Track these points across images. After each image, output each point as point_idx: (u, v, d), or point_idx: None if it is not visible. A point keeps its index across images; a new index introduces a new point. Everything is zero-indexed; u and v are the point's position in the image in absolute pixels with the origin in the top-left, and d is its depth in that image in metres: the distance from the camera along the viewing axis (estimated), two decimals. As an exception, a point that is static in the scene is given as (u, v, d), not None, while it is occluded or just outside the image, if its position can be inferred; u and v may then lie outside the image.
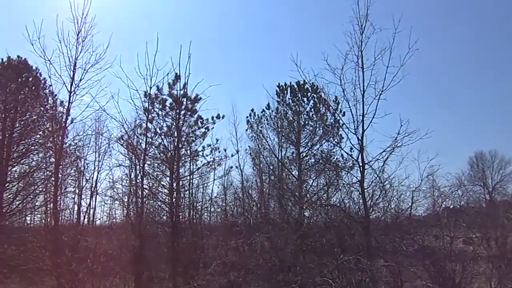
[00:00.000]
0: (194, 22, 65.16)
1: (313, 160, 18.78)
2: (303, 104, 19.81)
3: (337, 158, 18.09)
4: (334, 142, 17.94)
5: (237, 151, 19.31)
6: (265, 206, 18.19)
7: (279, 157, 19.18)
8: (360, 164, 12.81)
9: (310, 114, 19.64)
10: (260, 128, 20.21)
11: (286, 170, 18.84)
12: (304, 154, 18.82)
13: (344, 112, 14.66)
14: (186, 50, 14.65)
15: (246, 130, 20.78)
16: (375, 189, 13.14)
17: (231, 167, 19.35)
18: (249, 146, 21.46)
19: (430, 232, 12.94)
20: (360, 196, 12.91)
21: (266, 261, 13.37)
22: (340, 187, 15.13)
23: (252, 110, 20.81)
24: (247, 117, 20.72)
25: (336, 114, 16.18)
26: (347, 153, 15.02)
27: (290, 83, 20.17)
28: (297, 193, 17.06)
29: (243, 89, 53.85)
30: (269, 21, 63.03)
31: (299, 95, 19.84)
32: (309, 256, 13.63)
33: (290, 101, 19.99)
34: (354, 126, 12.84)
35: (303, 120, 19.63)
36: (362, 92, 12.75)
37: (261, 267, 13.16)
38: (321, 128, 19.04)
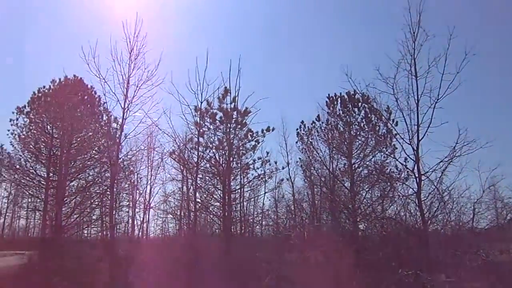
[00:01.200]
0: (243, 36, 66.20)
1: (365, 171, 18.53)
2: (354, 114, 19.65)
3: (391, 169, 17.79)
4: (387, 152, 17.68)
5: (288, 164, 19.42)
6: (317, 219, 18.12)
7: (331, 169, 19.08)
8: (416, 175, 12.61)
9: (362, 125, 19.44)
10: (310, 140, 20.20)
11: (338, 182, 18.71)
12: (356, 166, 18.62)
13: (397, 122, 14.53)
14: (236, 64, 14.96)
15: (296, 142, 20.87)
16: (433, 200, 12.88)
17: (282, 180, 19.44)
18: (299, 159, 21.54)
19: (494, 246, 12.48)
20: (417, 208, 12.70)
21: (321, 275, 13.30)
22: (396, 199, 14.94)
23: (302, 122, 20.90)
24: (297, 129, 20.81)
25: (389, 124, 15.97)
26: (402, 164, 14.83)
27: (340, 93, 20.13)
28: (350, 205, 16.94)
29: (292, 102, 54.00)
30: (318, 32, 63.06)
31: (350, 106, 19.70)
32: (365, 271, 13.44)
33: (341, 112, 19.88)
34: (409, 136, 12.70)
35: (355, 131, 19.45)
36: (417, 101, 12.62)
37: (316, 281, 13.11)
38: (373, 139, 18.79)
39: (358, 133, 19.44)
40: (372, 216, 15.82)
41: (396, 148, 16.32)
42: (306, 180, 21.50)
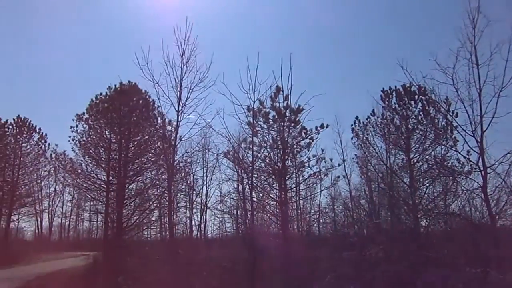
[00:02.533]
0: (294, 33, 66.26)
1: (425, 166, 18.06)
2: (410, 107, 19.21)
3: (452, 163, 17.21)
4: (448, 145, 17.12)
5: (343, 160, 19.22)
6: (376, 216, 17.87)
7: (388, 164, 18.76)
8: (481, 168, 12.18)
9: (419, 118, 18.97)
10: (366, 136, 19.99)
11: (396, 177, 18.36)
12: (415, 160, 18.19)
13: (457, 113, 14.10)
14: (287, 62, 14.95)
15: (352, 138, 20.70)
16: (501, 194, 12.41)
17: (338, 177, 19.29)
18: (355, 155, 21.34)
19: None
20: (483, 203, 12.26)
21: (383, 273, 13.14)
22: (460, 193, 14.48)
23: (357, 117, 20.69)
24: (351, 125, 20.64)
25: (449, 116, 15.47)
26: (464, 157, 14.34)
27: (396, 87, 19.75)
28: (410, 201, 16.59)
29: (345, 97, 53.50)
30: (370, 25, 61.99)
31: (406, 99, 19.28)
32: (429, 268, 13.13)
33: (397, 105, 19.50)
34: (471, 127, 12.31)
35: (412, 124, 19.02)
36: (479, 91, 12.20)
37: (377, 279, 12.97)
38: (432, 132, 18.28)
39: (415, 126, 18.99)
40: (434, 212, 15.41)
41: (458, 141, 15.80)
42: (362, 177, 21.31)
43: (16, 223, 44.32)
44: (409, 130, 18.76)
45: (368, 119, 20.23)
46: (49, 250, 43.38)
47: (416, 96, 19.08)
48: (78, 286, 19.99)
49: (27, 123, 40.16)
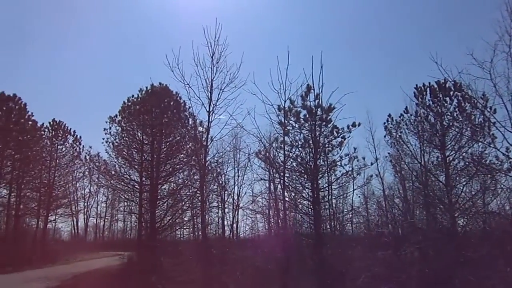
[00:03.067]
0: (324, 31, 66.01)
1: (462, 163, 17.67)
2: (445, 104, 18.83)
3: (491, 160, 16.78)
4: (486, 142, 16.70)
5: (376, 159, 18.98)
6: (410, 215, 17.60)
7: (422, 163, 18.44)
8: (522, 165, 11.85)
9: (455, 114, 18.56)
10: (399, 134, 19.73)
11: (431, 176, 18.03)
12: (451, 158, 17.81)
13: (495, 109, 13.77)
14: (318, 61, 14.84)
15: (385, 136, 20.47)
16: (544, 192, 12.01)
17: (371, 176, 19.06)
18: (388, 153, 21.09)
19: None
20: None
21: (419, 273, 12.94)
22: (499, 191, 14.09)
23: (389, 115, 20.44)
24: (384, 123, 20.40)
25: (486, 112, 15.09)
26: (504, 154, 13.98)
27: (429, 83, 19.40)
28: (446, 200, 16.27)
29: (376, 95, 52.96)
30: (401, 20, 61.18)
31: (441, 95, 18.91)
32: (466, 269, 12.84)
33: (431, 102, 19.15)
34: (511, 123, 11.96)
35: (447, 121, 18.63)
36: (518, 85, 11.85)
37: (413, 280, 12.79)
38: (468, 129, 17.87)
39: (451, 123, 18.59)
40: (472, 211, 15.07)
41: (496, 138, 15.37)
42: (396, 175, 21.05)
43: (53, 224, 45.79)
44: (444, 127, 18.39)
45: (401, 117, 19.95)
46: (85, 250, 44.60)
47: (451, 92, 18.69)
48: (113, 285, 20.46)
49: (62, 126, 41.42)
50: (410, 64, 59.79)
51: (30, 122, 37.46)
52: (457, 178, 17.45)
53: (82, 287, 21.65)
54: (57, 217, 43.81)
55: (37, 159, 38.19)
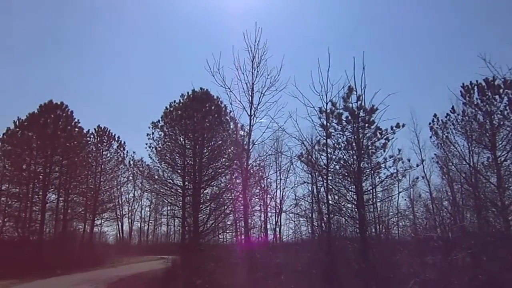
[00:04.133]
0: (365, 30, 65.22)
1: (515, 164, 16.99)
2: (495, 102, 18.18)
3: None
4: (540, 141, 16.00)
5: (422, 161, 18.53)
6: (460, 218, 17.04)
7: (472, 164, 17.85)
8: None
9: (505, 113, 17.88)
10: (446, 134, 19.21)
11: (482, 177, 17.40)
12: (503, 159, 17.15)
13: (551, 106, 13.17)
14: (360, 61, 14.66)
15: (430, 137, 19.99)
16: None
17: (417, 178, 18.60)
18: (435, 154, 20.55)
19: None
20: None
21: (471, 279, 12.48)
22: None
23: (435, 115, 19.93)
24: (429, 123, 19.91)
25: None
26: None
27: (477, 81, 18.82)
28: (498, 202, 15.65)
29: (420, 95, 51.77)
30: (447, 18, 59.63)
31: (489, 93, 18.28)
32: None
33: (479, 101, 18.54)
34: None
35: (497, 120, 17.97)
36: None
37: (465, 286, 12.35)
38: (521, 127, 17.19)
39: (501, 122, 17.92)
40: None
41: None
42: (444, 177, 20.49)
43: (99, 228, 47.25)
44: (494, 126, 17.75)
45: (448, 117, 19.41)
46: (130, 253, 45.65)
47: (501, 90, 18.02)
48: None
49: (107, 132, 42.73)
50: (456, 62, 58.11)
51: (76, 129, 38.94)
52: (510, 180, 16.78)
53: (128, 289, 22.22)
54: (102, 221, 45.33)
55: (84, 164, 39.57)
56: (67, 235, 38.99)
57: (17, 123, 36.84)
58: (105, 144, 42.63)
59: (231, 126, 24.94)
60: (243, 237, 20.01)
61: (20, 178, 36.48)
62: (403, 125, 16.25)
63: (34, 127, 36.79)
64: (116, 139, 42.91)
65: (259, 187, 22.52)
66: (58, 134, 37.50)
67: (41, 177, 37.01)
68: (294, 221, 22.27)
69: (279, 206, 22.84)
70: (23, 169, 36.55)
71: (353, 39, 63.67)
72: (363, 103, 15.81)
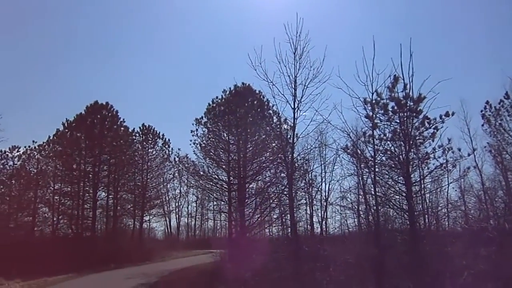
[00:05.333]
0: (412, 15, 63.62)
1: None
2: (552, 86, 17.46)
3: None
4: None
5: (473, 150, 17.97)
6: (516, 208, 16.52)
7: (527, 151, 17.23)
8: None
9: None
10: (499, 121, 18.57)
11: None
12: None
13: None
14: (407, 48, 14.30)
15: (482, 125, 19.43)
16: None
17: (468, 168, 18.10)
18: (487, 143, 19.95)
19: None
20: None
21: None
22: None
23: (487, 102, 19.31)
24: (481, 111, 19.35)
25: None
26: None
27: (533, 65, 18.09)
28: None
29: (470, 82, 50.08)
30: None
31: (546, 77, 17.57)
32: None
33: (535, 85, 17.86)
34: None
35: (556, 105, 17.26)
36: None
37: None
38: None
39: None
40: None
41: None
42: (497, 166, 19.81)
43: (148, 224, 48.65)
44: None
45: (501, 103, 18.79)
46: (178, 248, 46.75)
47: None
48: (207, 282, 21.33)
49: (152, 130, 43.83)
50: (508, 48, 55.68)
51: (122, 128, 40.20)
52: None
53: (179, 282, 22.83)
54: (151, 217, 46.66)
55: (130, 162, 40.86)
56: (118, 231, 40.45)
57: (66, 124, 38.46)
58: (150, 142, 43.79)
59: (275, 120, 25.10)
60: (289, 231, 20.17)
61: (71, 178, 38.14)
62: (453, 114, 15.81)
63: (82, 128, 38.34)
64: (161, 136, 44.03)
65: (304, 181, 22.60)
66: (105, 133, 38.88)
67: (90, 176, 38.54)
68: (341, 214, 22.26)
69: (325, 199, 22.86)
70: (73, 169, 38.15)
71: (399, 26, 62.26)
72: (410, 92, 15.49)
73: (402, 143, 15.66)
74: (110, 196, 39.87)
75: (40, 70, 73.28)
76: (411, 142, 15.85)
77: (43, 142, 38.27)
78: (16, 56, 72.29)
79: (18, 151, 36.79)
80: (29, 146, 37.41)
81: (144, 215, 43.60)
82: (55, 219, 37.82)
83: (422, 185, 17.48)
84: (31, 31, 75.35)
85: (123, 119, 40.09)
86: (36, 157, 37.72)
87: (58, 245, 32.78)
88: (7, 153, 36.08)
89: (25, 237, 34.19)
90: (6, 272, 22.56)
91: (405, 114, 15.80)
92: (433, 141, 16.12)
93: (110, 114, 39.59)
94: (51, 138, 38.57)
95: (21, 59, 72.82)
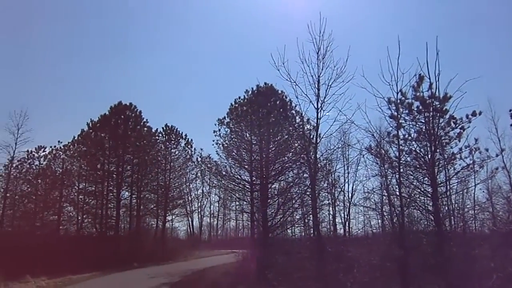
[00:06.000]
0: (437, 14, 62.74)
1: None
2: None
3: None
4: None
5: (501, 150, 17.67)
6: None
7: (558, 152, 16.81)
8: None
9: None
10: (529, 121, 18.09)
11: None
12: None
13: None
14: (433, 47, 14.10)
15: (511, 125, 18.93)
16: None
17: (496, 169, 17.79)
18: (516, 143, 19.52)
19: None
20: None
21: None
22: None
23: (516, 100, 18.89)
24: (510, 110, 18.85)
25: None
26: None
27: None
28: None
29: (497, 81, 49.06)
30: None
31: None
32: None
33: None
34: None
35: None
36: None
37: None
38: None
39: None
40: None
41: None
42: (528, 167, 19.38)
43: (171, 223, 49.16)
44: None
45: (530, 102, 18.35)
46: (200, 248, 47.15)
47: None
48: (230, 281, 21.44)
49: (174, 130, 44.25)
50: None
51: (145, 128, 40.74)
52: None
53: (201, 282, 23.03)
54: (174, 216, 47.14)
55: (153, 162, 41.36)
56: (141, 231, 41.01)
57: (90, 124, 39.17)
58: (173, 142, 44.22)
59: (297, 120, 25.10)
60: (312, 231, 20.13)
61: (96, 177, 38.83)
62: (480, 113, 15.53)
63: (106, 128, 39.01)
64: (184, 137, 44.41)
65: (327, 181, 22.53)
66: (128, 134, 39.48)
67: (114, 175, 39.19)
68: (364, 215, 22.11)
69: (349, 200, 22.75)
70: (97, 169, 38.82)
71: (425, 24, 61.41)
72: (436, 91, 15.29)
73: (427, 143, 15.49)
74: (134, 196, 40.47)
75: (65, 71, 74.64)
76: (437, 142, 15.66)
77: (68, 142, 39.01)
78: (42, 57, 73.86)
79: (44, 151, 37.51)
80: (54, 146, 38.12)
81: (167, 214, 44.06)
82: (79, 218, 38.52)
83: (448, 186, 17.23)
84: (56, 32, 76.97)
85: (146, 120, 40.71)
86: (62, 157, 38.41)
87: (82, 243, 33.42)
88: (33, 153, 36.81)
89: (50, 235, 34.87)
90: (32, 269, 23.08)
91: (431, 113, 15.62)
92: (459, 141, 15.87)
93: (133, 114, 40.17)
94: (75, 138, 39.30)
95: (47, 61, 74.25)
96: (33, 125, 36.69)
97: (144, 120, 40.48)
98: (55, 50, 76.54)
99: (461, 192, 17.99)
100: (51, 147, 38.02)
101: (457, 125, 15.98)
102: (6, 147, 31.76)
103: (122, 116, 39.70)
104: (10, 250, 25.20)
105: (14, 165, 34.60)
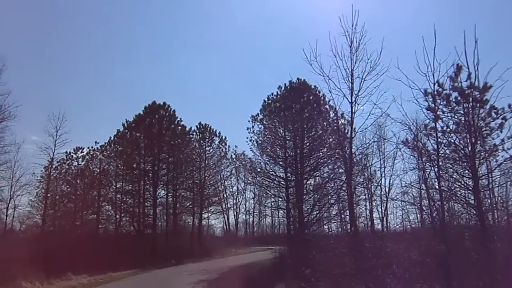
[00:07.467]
0: (474, 1, 60.94)
1: None
2: None
3: None
4: None
5: (547, 140, 17.07)
6: None
7: None
8: None
9: None
10: None
11: None
12: None
13: None
14: (471, 35, 13.72)
15: (556, 112, 18.24)
16: None
17: (543, 159, 17.17)
18: (562, 132, 18.75)
19: None
20: None
21: None
22: None
23: None
24: (555, 97, 18.18)
25: None
26: None
27: None
28: None
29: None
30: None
31: None
32: None
33: None
34: None
35: None
36: None
37: None
38: None
39: None
40: None
41: None
42: None
43: (207, 221, 49.74)
44: None
45: None
46: (237, 244, 47.51)
47: None
48: (268, 278, 21.56)
49: (208, 129, 44.71)
50: None
51: (179, 127, 41.30)
52: None
53: (239, 279, 23.22)
54: (209, 214, 47.66)
55: (188, 161, 41.95)
56: (178, 228, 41.69)
57: (125, 124, 40.05)
58: (207, 140, 44.74)
59: (331, 115, 24.93)
60: (349, 227, 19.99)
61: (132, 176, 39.69)
62: (523, 102, 15.05)
63: (141, 128, 39.79)
64: (218, 134, 44.86)
65: (363, 176, 22.29)
66: (163, 133, 40.14)
67: (150, 174, 39.95)
68: (402, 209, 21.78)
69: (386, 194, 22.46)
70: (134, 168, 39.69)
71: (462, 12, 59.65)
72: (475, 81, 14.87)
73: (467, 135, 15.12)
74: (170, 194, 41.11)
75: (100, 74, 76.37)
76: (477, 134, 15.25)
77: (105, 143, 40.05)
78: (78, 61, 75.84)
79: (82, 152, 38.58)
80: (92, 147, 39.19)
81: (203, 212, 44.64)
82: (117, 216, 39.48)
83: (490, 179, 16.77)
84: (91, 35, 78.83)
85: (180, 118, 41.22)
86: (99, 157, 39.45)
87: (121, 242, 34.32)
88: (72, 154, 37.94)
89: (90, 234, 35.94)
90: (73, 267, 23.83)
91: (470, 104, 15.21)
92: (501, 132, 15.36)
93: (167, 113, 40.79)
94: (112, 138, 40.31)
95: (83, 64, 76.26)
96: (71, 127, 37.82)
97: (178, 119, 41.06)
98: (91, 53, 78.51)
99: (504, 185, 17.46)
100: (88, 148, 39.15)
101: (499, 115, 15.46)
102: (46, 149, 32.78)
103: (157, 116, 40.38)
104: (52, 248, 26.16)
105: (53, 166, 35.73)
